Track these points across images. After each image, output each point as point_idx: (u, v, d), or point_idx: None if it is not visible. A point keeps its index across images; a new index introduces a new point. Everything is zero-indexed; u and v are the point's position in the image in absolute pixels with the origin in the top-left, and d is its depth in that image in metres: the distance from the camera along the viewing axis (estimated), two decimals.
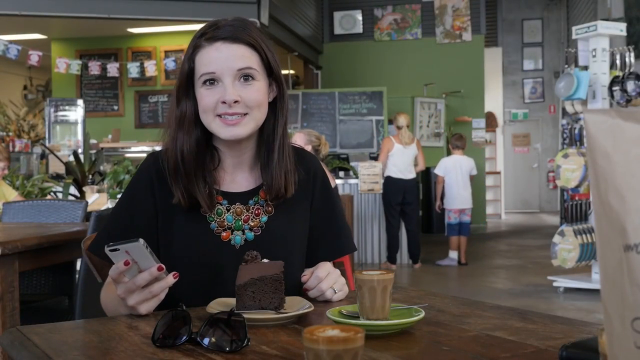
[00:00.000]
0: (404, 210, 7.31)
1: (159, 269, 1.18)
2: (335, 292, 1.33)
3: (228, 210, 1.41)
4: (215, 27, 1.38)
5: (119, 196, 4.89)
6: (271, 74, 1.42)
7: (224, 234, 1.40)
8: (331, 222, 1.53)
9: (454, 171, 7.56)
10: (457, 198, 7.55)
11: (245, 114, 1.37)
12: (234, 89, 1.35)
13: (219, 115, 1.36)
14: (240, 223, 1.41)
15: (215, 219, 1.40)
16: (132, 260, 1.17)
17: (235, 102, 1.35)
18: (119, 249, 1.15)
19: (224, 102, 1.35)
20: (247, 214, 1.42)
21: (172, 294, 1.40)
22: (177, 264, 1.39)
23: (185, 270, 1.39)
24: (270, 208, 1.44)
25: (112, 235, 1.39)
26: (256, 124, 1.40)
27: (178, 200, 1.38)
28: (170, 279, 1.21)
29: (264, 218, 1.43)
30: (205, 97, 1.36)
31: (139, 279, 1.18)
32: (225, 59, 1.35)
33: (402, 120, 7.25)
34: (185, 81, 1.39)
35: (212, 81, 1.36)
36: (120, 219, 1.44)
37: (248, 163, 1.46)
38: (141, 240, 1.14)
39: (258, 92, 1.38)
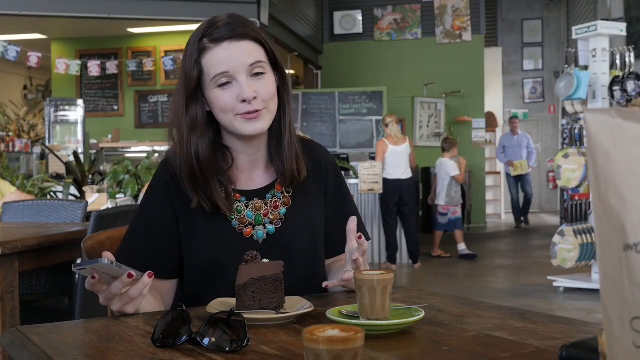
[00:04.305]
0: (401, 211, 7.32)
1: (129, 276, 1.17)
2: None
3: (247, 207, 1.43)
4: (215, 27, 1.38)
5: (119, 196, 4.92)
6: (275, 65, 1.44)
7: (246, 230, 1.42)
8: (345, 211, 1.53)
9: (438, 172, 8.23)
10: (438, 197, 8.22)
11: (263, 108, 1.38)
12: (249, 86, 1.36)
13: (239, 114, 1.37)
14: (260, 218, 1.43)
15: (235, 216, 1.42)
16: (102, 273, 1.18)
17: (254, 98, 1.36)
18: (85, 268, 1.17)
19: (243, 101, 1.35)
20: (266, 208, 1.44)
21: (199, 293, 1.41)
22: (202, 265, 1.41)
23: (211, 270, 1.40)
24: (287, 200, 1.46)
25: (132, 248, 1.43)
26: (272, 116, 1.42)
27: (198, 205, 1.39)
28: (146, 279, 1.21)
29: (283, 210, 1.45)
30: (222, 97, 1.37)
31: (113, 288, 1.19)
32: (236, 56, 1.36)
33: (388, 118, 7.41)
34: (194, 86, 1.39)
35: (225, 81, 1.37)
36: (139, 229, 1.46)
37: (263, 160, 1.48)
38: (105, 260, 1.14)
39: (271, 85, 1.40)
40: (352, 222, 1.33)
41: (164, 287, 1.44)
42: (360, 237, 1.31)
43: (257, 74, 1.38)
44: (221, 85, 1.37)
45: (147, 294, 1.26)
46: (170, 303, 1.46)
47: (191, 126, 1.39)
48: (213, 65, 1.36)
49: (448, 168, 8.00)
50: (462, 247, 8.03)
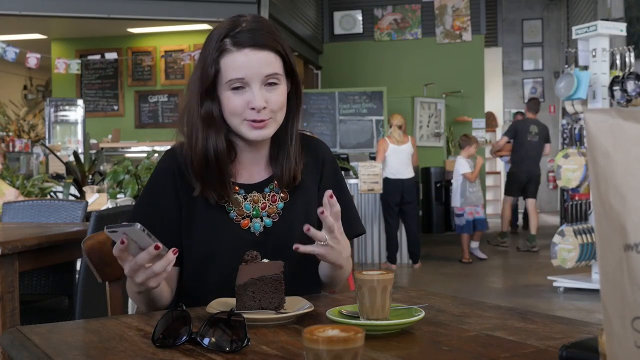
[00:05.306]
0: (402, 210, 7.30)
1: (156, 247, 1.19)
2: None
3: (245, 199, 1.47)
4: (239, 30, 1.41)
5: (119, 196, 4.91)
6: (290, 74, 1.47)
7: (243, 222, 1.45)
8: (341, 205, 1.54)
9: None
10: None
11: (270, 118, 1.42)
12: (261, 95, 1.40)
13: (247, 120, 1.41)
14: (258, 210, 1.46)
15: (234, 208, 1.45)
16: (130, 240, 1.19)
17: (264, 108, 1.40)
18: (117, 231, 1.18)
19: (252, 108, 1.39)
20: (264, 201, 1.48)
21: (194, 283, 1.44)
22: (198, 254, 1.44)
23: (209, 260, 1.43)
24: (285, 195, 1.50)
25: None
26: (277, 125, 1.46)
27: (200, 194, 1.42)
28: (171, 255, 1.22)
29: (280, 204, 1.49)
30: (233, 100, 1.41)
31: (139, 258, 1.20)
32: (254, 65, 1.39)
33: (393, 120, 7.36)
34: (211, 83, 1.42)
35: (239, 85, 1.40)
36: (142, 216, 1.47)
37: (264, 159, 1.52)
38: (138, 225, 1.16)
39: (282, 96, 1.44)
40: (327, 195, 1.30)
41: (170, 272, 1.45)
42: (331, 196, 1.29)
43: (270, 85, 1.41)
44: (234, 89, 1.40)
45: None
46: (174, 289, 1.48)
47: (208, 120, 1.43)
48: (230, 69, 1.40)
49: (458, 166, 7.76)
50: (474, 245, 7.79)
